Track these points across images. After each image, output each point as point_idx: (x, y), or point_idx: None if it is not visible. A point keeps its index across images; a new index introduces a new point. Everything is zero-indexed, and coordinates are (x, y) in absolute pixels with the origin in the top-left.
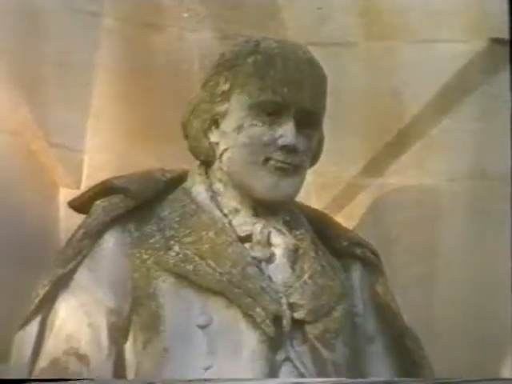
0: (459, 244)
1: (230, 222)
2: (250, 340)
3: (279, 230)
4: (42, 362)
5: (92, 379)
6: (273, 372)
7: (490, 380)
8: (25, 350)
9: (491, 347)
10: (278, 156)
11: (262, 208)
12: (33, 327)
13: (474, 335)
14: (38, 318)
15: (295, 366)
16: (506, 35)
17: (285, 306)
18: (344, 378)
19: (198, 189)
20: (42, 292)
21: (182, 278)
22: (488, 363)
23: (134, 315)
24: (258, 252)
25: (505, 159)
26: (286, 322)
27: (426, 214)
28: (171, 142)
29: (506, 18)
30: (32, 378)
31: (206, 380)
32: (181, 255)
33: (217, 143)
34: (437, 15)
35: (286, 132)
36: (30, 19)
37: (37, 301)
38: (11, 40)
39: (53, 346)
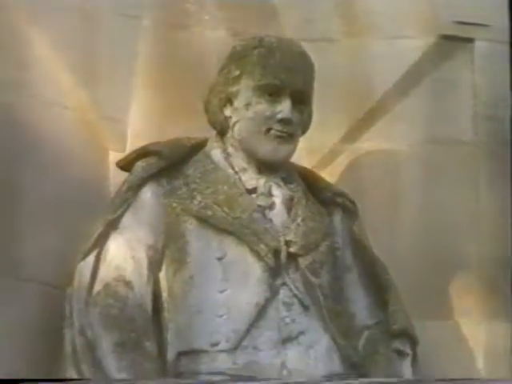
0: (416, 194)
1: (239, 178)
2: (256, 269)
3: (278, 184)
4: (97, 286)
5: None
6: (273, 294)
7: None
8: (84, 277)
9: (447, 272)
10: (277, 127)
11: (265, 167)
12: (90, 259)
13: (431, 264)
14: (94, 253)
15: (290, 289)
16: (451, 32)
17: (282, 243)
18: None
19: (216, 152)
20: (97, 232)
21: (203, 221)
22: (444, 284)
23: (166, 250)
24: (261, 201)
25: (452, 128)
26: (283, 255)
27: (391, 171)
28: (195, 116)
29: (452, 18)
30: (90, 303)
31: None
32: (202, 204)
33: (230, 117)
34: (399, 18)
35: (284, 108)
36: (87, 20)
37: (93, 239)
38: (74, 35)
39: (105, 274)
